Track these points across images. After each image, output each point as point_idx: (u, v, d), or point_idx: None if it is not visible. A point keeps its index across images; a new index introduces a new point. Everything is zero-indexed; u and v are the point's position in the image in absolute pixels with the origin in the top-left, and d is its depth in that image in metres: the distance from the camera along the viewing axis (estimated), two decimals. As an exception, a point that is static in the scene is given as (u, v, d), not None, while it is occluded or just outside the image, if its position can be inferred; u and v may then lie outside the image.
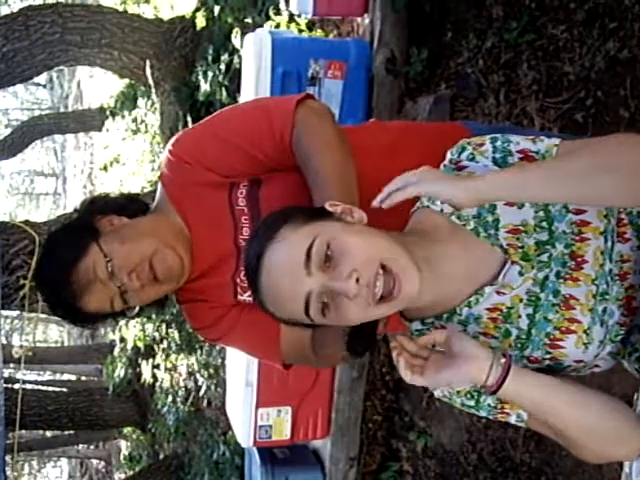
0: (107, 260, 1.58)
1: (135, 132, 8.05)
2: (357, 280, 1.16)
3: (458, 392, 1.36)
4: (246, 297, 1.70)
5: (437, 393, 1.38)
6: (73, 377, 15.68)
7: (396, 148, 1.67)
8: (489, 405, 1.34)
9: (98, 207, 1.70)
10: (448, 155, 1.34)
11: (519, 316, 1.30)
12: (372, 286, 1.17)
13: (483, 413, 1.36)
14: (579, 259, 1.25)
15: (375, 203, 1.22)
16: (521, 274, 1.27)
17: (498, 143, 1.29)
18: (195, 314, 1.81)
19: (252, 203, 1.63)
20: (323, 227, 1.21)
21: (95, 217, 1.66)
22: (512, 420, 1.35)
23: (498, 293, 1.29)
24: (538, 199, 1.22)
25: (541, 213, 1.26)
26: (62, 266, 1.58)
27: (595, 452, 1.28)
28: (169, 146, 1.73)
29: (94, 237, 1.60)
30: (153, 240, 1.62)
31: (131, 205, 1.74)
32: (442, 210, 1.32)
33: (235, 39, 5.03)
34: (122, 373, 7.91)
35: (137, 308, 1.68)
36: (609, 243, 1.26)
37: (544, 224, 1.26)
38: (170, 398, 7.03)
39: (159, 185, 1.75)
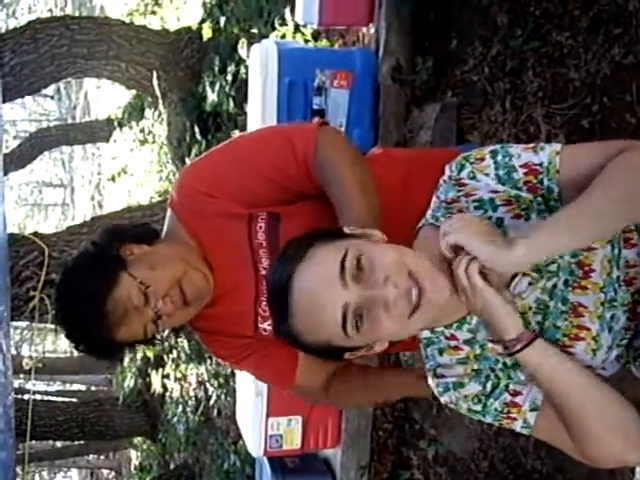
0: (145, 287, 1.58)
1: (142, 143, 8.07)
2: (395, 286, 1.18)
3: (465, 397, 1.36)
4: (266, 325, 1.70)
5: (444, 399, 1.39)
6: (83, 387, 15.72)
7: (406, 182, 1.68)
8: (495, 410, 1.34)
9: (116, 237, 1.69)
10: (447, 171, 1.32)
11: (528, 323, 1.30)
12: (409, 295, 1.18)
13: (489, 419, 1.36)
14: (586, 268, 1.26)
15: None
16: (530, 284, 1.28)
17: (499, 158, 1.28)
18: (211, 343, 1.83)
19: (271, 238, 1.63)
20: (350, 243, 1.22)
21: (115, 247, 1.65)
22: (518, 427, 1.34)
23: None
24: (576, 249, 1.24)
25: None
26: (95, 299, 1.56)
27: (596, 441, 1.26)
28: (184, 177, 1.74)
29: (123, 266, 1.60)
30: (181, 263, 1.63)
31: (145, 232, 1.74)
32: None
33: (241, 50, 5.06)
34: (132, 383, 7.91)
35: (167, 331, 1.70)
36: (616, 251, 1.27)
37: None
38: (180, 408, 7.03)
39: (170, 213, 1.75)
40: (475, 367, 1.35)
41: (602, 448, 1.26)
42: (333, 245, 1.22)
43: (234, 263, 1.68)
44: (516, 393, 1.33)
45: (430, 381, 1.40)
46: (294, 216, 1.63)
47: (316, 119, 1.71)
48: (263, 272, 1.65)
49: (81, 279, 1.61)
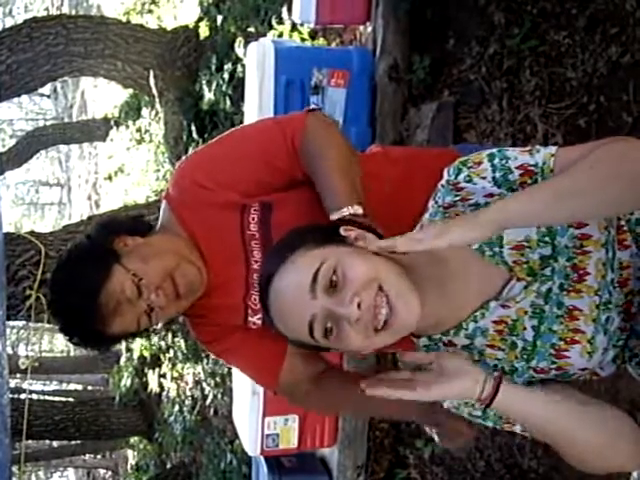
0: (138, 279, 1.58)
1: (139, 142, 8.07)
2: (359, 305, 1.18)
3: (466, 403, 1.37)
4: (256, 319, 1.71)
5: (446, 404, 1.39)
6: (79, 387, 15.73)
7: (404, 181, 1.68)
8: (495, 414, 1.35)
9: (110, 229, 1.69)
10: (445, 175, 1.32)
11: (524, 328, 1.31)
12: (373, 311, 1.19)
13: (490, 423, 1.37)
14: (581, 271, 1.26)
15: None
16: (526, 288, 1.29)
17: (496, 161, 1.28)
18: (199, 328, 1.83)
19: (263, 229, 1.64)
20: (332, 252, 1.23)
21: (109, 239, 1.65)
22: (518, 430, 1.35)
23: (503, 307, 1.30)
24: (548, 222, 1.23)
25: (543, 228, 1.26)
26: (89, 292, 1.56)
27: (590, 465, 1.29)
28: (180, 170, 1.74)
29: (116, 259, 1.60)
30: (174, 256, 1.63)
31: (139, 225, 1.74)
32: None
33: (238, 48, 5.06)
34: (128, 382, 7.91)
35: (160, 323, 1.69)
36: (610, 253, 1.27)
37: (547, 239, 1.27)
38: (177, 407, 7.03)
39: (164, 206, 1.75)
40: None
41: (590, 466, 1.29)
42: (313, 253, 1.23)
43: (226, 256, 1.68)
44: None
45: None
46: (286, 205, 1.63)
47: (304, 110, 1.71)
48: (255, 265, 1.66)
49: (75, 272, 1.61)
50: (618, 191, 1.16)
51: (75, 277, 1.60)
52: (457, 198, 1.31)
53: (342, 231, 1.27)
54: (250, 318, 1.72)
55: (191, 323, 1.83)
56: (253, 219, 1.64)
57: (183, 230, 1.70)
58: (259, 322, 1.71)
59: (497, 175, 1.27)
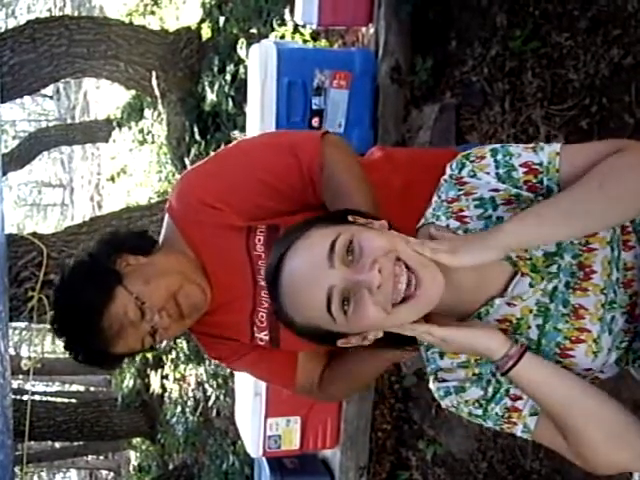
0: (141, 302, 1.56)
1: (142, 143, 8.07)
2: (379, 271, 1.17)
3: (466, 401, 1.35)
4: (262, 335, 1.70)
5: (445, 403, 1.38)
6: (82, 388, 15.74)
7: (407, 187, 1.68)
8: (496, 414, 1.34)
9: (113, 248, 1.66)
10: (448, 170, 1.32)
11: (529, 327, 1.30)
12: (393, 280, 1.17)
13: (490, 423, 1.36)
14: (587, 269, 1.26)
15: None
16: (531, 285, 1.29)
17: (499, 157, 1.28)
18: (208, 346, 1.82)
19: (270, 249, 1.59)
20: (345, 227, 1.22)
21: (111, 259, 1.63)
22: (518, 431, 1.34)
23: (508, 304, 1.30)
24: (559, 240, 1.25)
25: None
26: (91, 314, 1.55)
27: (599, 453, 1.26)
28: (184, 184, 1.71)
29: (118, 280, 1.58)
30: (177, 277, 1.61)
31: (142, 242, 1.71)
32: (448, 225, 1.32)
33: (240, 50, 5.06)
34: (131, 384, 7.91)
35: (164, 341, 1.69)
36: (615, 252, 1.27)
37: None
38: (179, 408, 7.03)
39: (168, 220, 1.73)
40: (476, 371, 1.35)
41: (600, 457, 1.27)
42: (328, 228, 1.22)
43: (232, 274, 1.66)
44: (517, 398, 1.32)
45: (431, 385, 1.39)
46: None
47: (316, 132, 1.70)
48: (261, 282, 1.63)
49: (77, 294, 1.59)
50: (628, 207, 1.19)
51: (77, 299, 1.58)
52: (461, 192, 1.31)
53: (350, 218, 1.27)
54: (257, 334, 1.71)
55: (200, 341, 1.83)
56: (259, 240, 1.62)
57: (187, 246, 1.68)
58: (266, 338, 1.70)
59: (500, 172, 1.27)
